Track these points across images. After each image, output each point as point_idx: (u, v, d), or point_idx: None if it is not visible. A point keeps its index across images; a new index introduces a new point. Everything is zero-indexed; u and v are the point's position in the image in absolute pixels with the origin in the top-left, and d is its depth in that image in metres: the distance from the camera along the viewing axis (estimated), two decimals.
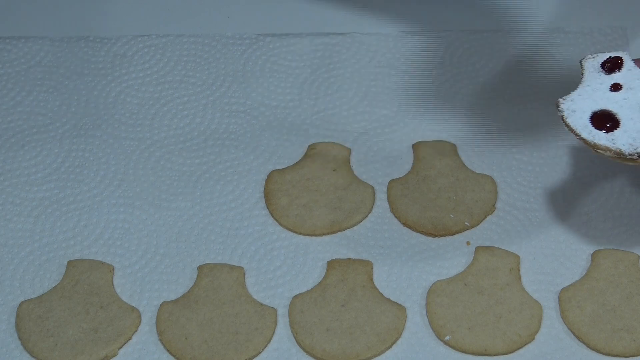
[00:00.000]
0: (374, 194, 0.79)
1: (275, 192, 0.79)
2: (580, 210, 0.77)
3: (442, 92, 0.85)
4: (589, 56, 0.70)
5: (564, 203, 0.78)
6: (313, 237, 0.77)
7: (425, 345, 0.72)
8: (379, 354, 0.71)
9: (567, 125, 0.67)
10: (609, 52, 0.70)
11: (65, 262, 0.76)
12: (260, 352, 0.72)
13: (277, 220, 0.78)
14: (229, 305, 0.73)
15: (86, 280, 0.75)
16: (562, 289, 0.73)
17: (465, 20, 0.89)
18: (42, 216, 0.79)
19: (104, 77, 0.87)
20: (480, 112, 0.83)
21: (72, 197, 0.80)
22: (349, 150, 0.81)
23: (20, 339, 0.73)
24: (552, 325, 0.72)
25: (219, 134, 0.83)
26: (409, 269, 0.75)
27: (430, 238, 0.77)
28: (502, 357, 0.71)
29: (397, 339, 0.72)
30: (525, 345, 0.71)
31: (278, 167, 0.81)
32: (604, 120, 0.67)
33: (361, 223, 0.78)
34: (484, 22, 0.89)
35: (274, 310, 0.73)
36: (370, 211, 0.78)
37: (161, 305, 0.74)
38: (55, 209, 0.79)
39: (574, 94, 0.69)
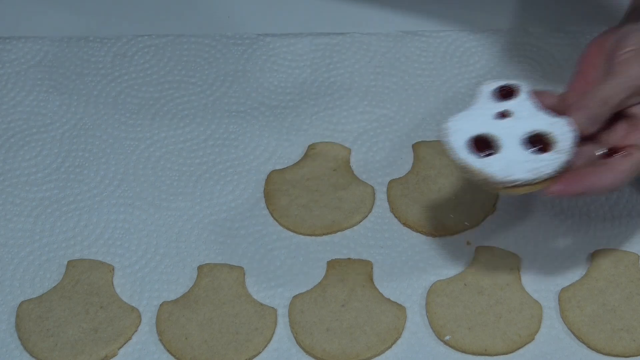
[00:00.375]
0: (374, 194, 0.79)
1: (275, 192, 0.79)
2: (580, 210, 0.77)
3: (442, 92, 0.85)
4: (490, 80, 0.70)
5: (564, 203, 0.78)
6: (313, 237, 0.77)
7: (425, 345, 0.72)
8: (379, 354, 0.71)
9: (446, 144, 0.67)
10: (509, 80, 0.70)
11: (65, 262, 0.76)
12: (260, 352, 0.72)
13: (277, 220, 0.78)
14: (229, 305, 0.73)
15: (86, 280, 0.75)
16: (562, 289, 0.73)
17: (465, 20, 0.89)
18: (42, 216, 0.79)
19: (104, 77, 0.87)
20: None
21: (72, 197, 0.80)
22: (349, 150, 0.81)
23: (20, 339, 0.73)
24: (552, 325, 0.72)
25: (219, 134, 0.83)
26: (409, 269, 0.75)
27: (430, 238, 0.77)
28: (502, 357, 0.71)
29: (397, 339, 0.72)
30: (525, 345, 0.71)
31: (278, 167, 0.81)
32: (483, 145, 0.66)
33: (361, 223, 0.78)
34: (484, 22, 0.89)
35: (274, 310, 0.73)
36: (370, 211, 0.78)
37: (161, 305, 0.74)
38: (55, 209, 0.79)
39: (461, 115, 0.68)
